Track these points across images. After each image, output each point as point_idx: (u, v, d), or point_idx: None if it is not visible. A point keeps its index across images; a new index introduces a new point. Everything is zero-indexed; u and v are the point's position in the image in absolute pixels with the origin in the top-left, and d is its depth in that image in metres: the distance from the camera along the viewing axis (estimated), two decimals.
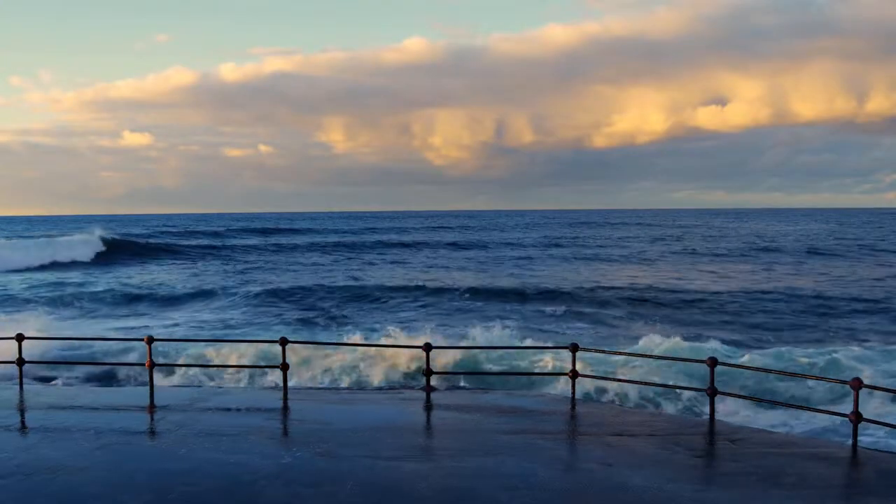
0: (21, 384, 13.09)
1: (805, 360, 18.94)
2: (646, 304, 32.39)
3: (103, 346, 21.33)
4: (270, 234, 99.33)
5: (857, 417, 8.98)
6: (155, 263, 55.66)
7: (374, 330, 24.46)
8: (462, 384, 16.51)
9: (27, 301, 34.05)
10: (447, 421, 10.53)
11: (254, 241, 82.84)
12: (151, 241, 70.98)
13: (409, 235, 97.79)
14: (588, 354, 15.45)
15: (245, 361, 17.87)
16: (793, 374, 13.67)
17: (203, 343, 21.09)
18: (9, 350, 13.27)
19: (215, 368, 17.97)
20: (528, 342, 21.75)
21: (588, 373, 13.84)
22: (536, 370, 18.06)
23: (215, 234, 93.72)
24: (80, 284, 41.11)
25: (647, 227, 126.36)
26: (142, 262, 56.14)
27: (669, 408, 15.32)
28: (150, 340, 12.98)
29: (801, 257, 58.50)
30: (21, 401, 12.05)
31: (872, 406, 13.79)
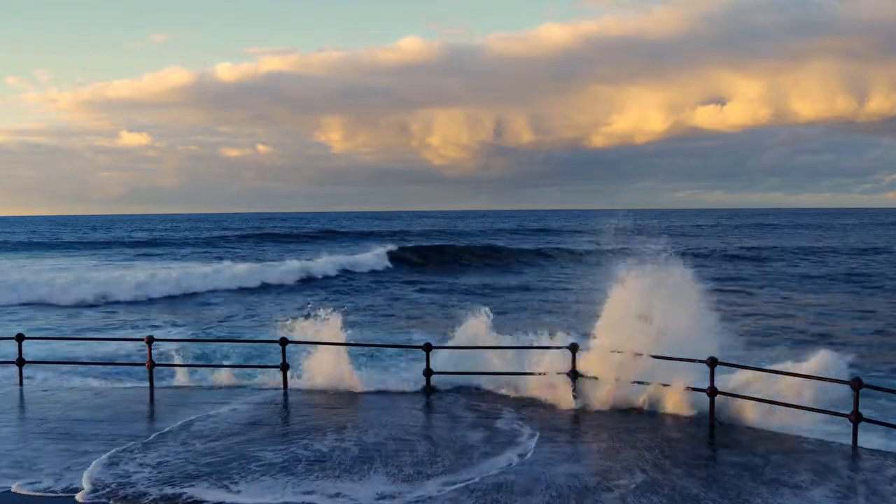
0: (21, 383, 13.10)
1: None
2: None
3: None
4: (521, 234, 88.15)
5: (856, 417, 8.99)
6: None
7: None
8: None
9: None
10: None
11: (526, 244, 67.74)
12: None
13: None
14: None
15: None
16: (787, 374, 13.53)
17: (203, 343, 21.00)
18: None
19: (217, 368, 17.88)
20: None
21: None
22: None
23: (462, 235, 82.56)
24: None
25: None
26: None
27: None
28: (150, 340, 13.00)
29: None
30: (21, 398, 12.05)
31: None
